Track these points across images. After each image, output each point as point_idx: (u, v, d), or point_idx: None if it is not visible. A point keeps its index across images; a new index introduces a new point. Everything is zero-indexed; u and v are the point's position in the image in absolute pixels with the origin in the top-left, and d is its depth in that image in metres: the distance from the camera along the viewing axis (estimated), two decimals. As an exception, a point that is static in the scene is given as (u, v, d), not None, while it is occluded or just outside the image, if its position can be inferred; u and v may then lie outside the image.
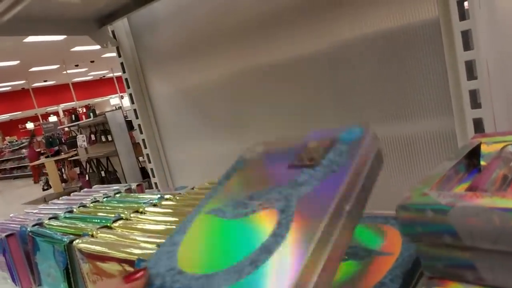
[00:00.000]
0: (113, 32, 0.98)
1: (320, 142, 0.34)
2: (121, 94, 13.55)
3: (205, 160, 0.97)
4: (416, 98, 0.62)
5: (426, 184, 0.26)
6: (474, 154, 0.34)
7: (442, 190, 0.26)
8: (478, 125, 0.54)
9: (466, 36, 0.52)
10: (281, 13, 0.73)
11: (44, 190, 7.80)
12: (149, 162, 1.04)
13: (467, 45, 0.53)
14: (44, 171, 7.82)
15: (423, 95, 0.62)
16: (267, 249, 0.24)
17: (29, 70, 11.37)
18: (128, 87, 1.00)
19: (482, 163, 0.33)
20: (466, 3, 0.52)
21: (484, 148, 0.34)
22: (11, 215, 0.81)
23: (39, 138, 10.42)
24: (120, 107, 9.84)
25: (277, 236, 0.25)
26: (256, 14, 0.77)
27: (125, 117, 6.84)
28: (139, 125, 1.01)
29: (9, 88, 13.61)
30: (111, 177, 6.70)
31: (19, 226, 0.64)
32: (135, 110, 1.01)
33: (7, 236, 0.61)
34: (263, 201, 0.29)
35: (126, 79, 1.00)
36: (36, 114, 13.81)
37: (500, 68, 0.54)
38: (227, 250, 0.27)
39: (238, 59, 0.82)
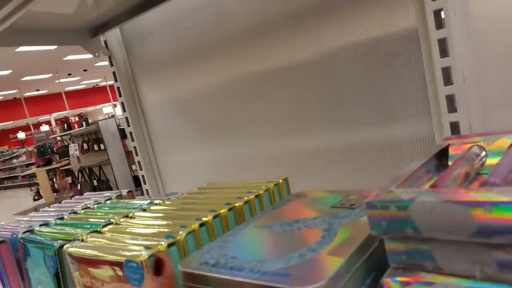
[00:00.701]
0: (105, 42, 0.99)
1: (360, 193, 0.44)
2: (114, 102, 13.51)
3: (196, 167, 0.99)
4: (398, 103, 0.65)
5: (393, 183, 0.28)
6: (443, 154, 0.36)
7: (408, 188, 0.28)
8: (455, 128, 0.57)
9: (443, 44, 0.55)
10: (269, 23, 0.76)
11: (35, 200, 7.73)
12: (141, 169, 1.06)
13: (444, 52, 0.55)
14: (35, 181, 7.75)
15: (405, 100, 0.64)
16: (313, 249, 0.31)
17: (21, 79, 11.31)
18: (120, 96, 1.02)
19: (450, 163, 0.35)
20: (442, 13, 0.54)
21: (452, 149, 0.37)
22: (1, 223, 0.82)
23: (30, 148, 10.34)
24: (113, 116, 9.82)
25: (322, 243, 0.32)
26: (245, 24, 0.79)
27: (118, 125, 6.83)
28: (130, 132, 1.03)
29: (1, 97, 13.53)
30: (104, 186, 6.66)
31: (10, 233, 0.65)
32: (126, 118, 1.03)
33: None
34: (308, 224, 0.38)
35: (118, 88, 1.01)
36: (27, 123, 13.72)
37: (475, 74, 0.57)
38: (276, 248, 0.33)
39: (228, 68, 0.84)
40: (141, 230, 0.52)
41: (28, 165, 10.12)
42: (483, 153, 0.34)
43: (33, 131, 11.20)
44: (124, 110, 1.02)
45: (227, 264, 0.31)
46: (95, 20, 0.93)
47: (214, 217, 0.48)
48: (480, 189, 0.24)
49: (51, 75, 11.57)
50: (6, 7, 0.65)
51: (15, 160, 10.75)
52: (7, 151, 11.97)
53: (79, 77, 13.21)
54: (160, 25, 0.94)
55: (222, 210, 0.49)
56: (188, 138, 0.97)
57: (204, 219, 0.46)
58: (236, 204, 0.51)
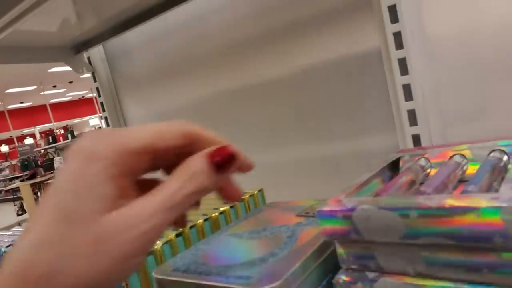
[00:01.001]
0: (88, 58, 1.02)
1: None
2: (101, 114, 13.39)
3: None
4: (366, 117, 0.69)
5: (344, 193, 0.32)
6: (395, 166, 0.40)
7: (355, 197, 0.32)
8: (417, 140, 0.61)
9: (403, 63, 0.60)
10: (246, 42, 0.80)
11: (18, 215, 7.58)
12: (124, 182, 1.08)
13: (404, 71, 0.60)
14: (19, 195, 7.61)
15: (372, 114, 0.69)
16: (274, 254, 0.34)
17: (5, 91, 11.17)
18: (104, 110, 1.04)
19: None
20: (402, 34, 0.59)
21: (404, 161, 0.41)
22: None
23: (13, 162, 10.16)
24: (100, 128, 9.75)
25: (283, 249, 0.35)
26: (223, 42, 0.83)
27: (104, 137, 6.78)
28: (114, 146, 1.05)
29: (-17, 110, 13.32)
30: (90, 199, 6.58)
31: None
32: (110, 132, 1.05)
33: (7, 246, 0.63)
34: (274, 231, 0.41)
35: (102, 103, 1.04)
36: (11, 136, 13.50)
37: (434, 90, 0.61)
38: (243, 254, 0.36)
39: (208, 84, 0.88)
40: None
41: (12, 179, 9.93)
42: (428, 165, 0.38)
43: (16, 144, 11.03)
44: (107, 124, 1.05)
45: (197, 270, 0.34)
46: (78, 38, 0.96)
47: (191, 227, 0.51)
48: (410, 197, 0.27)
49: (35, 87, 11.45)
50: None
51: (-3, 174, 10.54)
52: (-10, 164, 11.73)
53: (65, 89, 13.10)
54: (142, 42, 0.97)
55: (199, 221, 0.52)
56: (170, 151, 0.99)
57: (180, 229, 0.49)
58: (212, 215, 0.54)
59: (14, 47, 0.90)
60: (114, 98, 1.04)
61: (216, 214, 0.54)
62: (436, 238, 0.24)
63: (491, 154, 0.35)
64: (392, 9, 0.58)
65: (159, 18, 0.82)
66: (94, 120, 13.83)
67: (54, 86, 12.23)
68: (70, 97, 15.11)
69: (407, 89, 0.60)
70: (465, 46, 0.59)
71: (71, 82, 12.18)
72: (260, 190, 0.63)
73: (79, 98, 15.68)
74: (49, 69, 9.81)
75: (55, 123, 11.94)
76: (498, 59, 0.57)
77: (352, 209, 0.28)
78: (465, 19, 0.58)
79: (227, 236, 0.43)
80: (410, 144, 0.61)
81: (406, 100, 0.60)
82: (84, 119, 15.83)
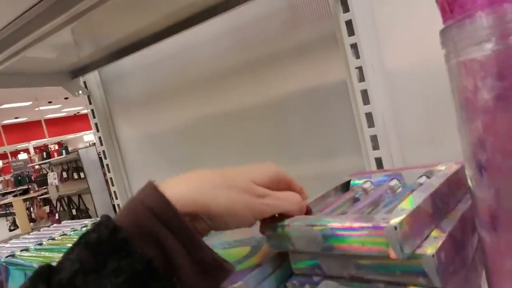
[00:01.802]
0: (84, 82, 1.09)
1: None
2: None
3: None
4: (335, 141, 0.76)
5: None
6: (345, 188, 0.47)
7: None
8: (379, 163, 0.68)
9: (365, 94, 0.67)
10: (228, 72, 0.88)
11: (10, 230, 7.52)
12: (116, 198, 1.14)
13: (366, 101, 0.67)
14: (11, 211, 7.58)
15: (340, 139, 0.76)
16: (239, 262, 0.40)
17: (0, 107, 11.21)
18: (98, 131, 1.11)
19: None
20: (363, 68, 0.67)
21: (353, 183, 0.47)
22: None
23: (7, 177, 10.11)
24: (94, 143, 9.76)
25: (247, 257, 0.41)
26: (208, 71, 0.91)
27: (99, 154, 6.80)
28: (107, 164, 1.11)
29: (-22, 125, 13.31)
30: (83, 215, 6.55)
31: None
32: (103, 151, 1.12)
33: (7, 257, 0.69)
34: (243, 242, 0.47)
35: (96, 124, 1.11)
36: (5, 151, 13.46)
37: (393, 117, 0.69)
38: None
39: (193, 108, 0.95)
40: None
41: (4, 194, 9.87)
42: (371, 187, 0.45)
43: (10, 159, 10.98)
44: (101, 144, 1.11)
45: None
46: (75, 63, 1.03)
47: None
48: (325, 216, 0.34)
49: (31, 102, 11.49)
50: (4, 52, 0.74)
51: (-10, 190, 10.47)
52: (-17, 180, 11.65)
53: (60, 105, 13.15)
54: (135, 68, 1.05)
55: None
56: (160, 170, 1.06)
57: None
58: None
59: (14, 72, 0.97)
60: (108, 119, 1.11)
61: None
62: (342, 251, 0.31)
63: (417, 180, 0.42)
64: (354, 46, 0.66)
65: (151, 47, 0.89)
66: (89, 136, 13.83)
67: (50, 102, 12.28)
68: (65, 113, 15.13)
69: (369, 117, 0.68)
70: (420, 78, 0.67)
71: (66, 98, 12.23)
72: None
73: (74, 114, 15.70)
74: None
75: (49, 138, 11.93)
76: (448, 89, 0.65)
77: (286, 225, 0.34)
78: (419, 55, 0.66)
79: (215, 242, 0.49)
80: (373, 166, 0.68)
81: (369, 126, 0.68)
82: (78, 134, 15.81)
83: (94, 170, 6.58)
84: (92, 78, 1.10)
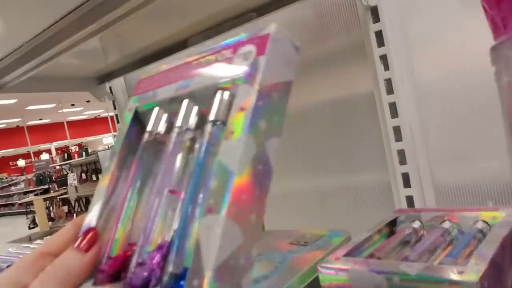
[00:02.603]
0: (110, 88, 1.11)
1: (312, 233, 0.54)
2: (114, 133, 13.70)
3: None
4: (360, 154, 0.75)
5: (344, 250, 0.37)
6: (393, 224, 0.46)
7: (351, 257, 0.37)
8: (406, 179, 0.66)
9: (393, 107, 0.66)
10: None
11: (30, 228, 7.69)
12: (136, 203, 1.14)
13: (394, 114, 0.66)
14: (31, 209, 7.75)
15: (366, 152, 0.74)
16: (266, 276, 0.40)
17: (26, 108, 11.54)
18: (121, 136, 1.12)
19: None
20: (392, 81, 0.66)
21: (399, 220, 0.46)
22: (8, 249, 0.90)
23: (29, 176, 10.37)
24: (109, 147, 9.94)
25: (273, 272, 0.41)
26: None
27: (118, 156, 6.89)
28: (128, 169, 1.12)
29: (4, 125, 13.74)
30: (100, 217, 6.64)
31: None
32: (125, 156, 1.13)
33: (7, 266, 0.70)
34: (268, 257, 0.47)
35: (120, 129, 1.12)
36: (28, 151, 13.84)
37: (421, 131, 0.67)
38: None
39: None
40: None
41: (26, 193, 10.12)
42: (420, 226, 0.44)
43: (33, 159, 11.28)
44: (124, 149, 1.12)
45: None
46: (102, 69, 1.05)
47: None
48: (395, 262, 0.33)
49: (54, 105, 11.80)
50: (36, 58, 0.76)
51: (13, 188, 10.75)
52: (6, 178, 12.00)
53: (82, 108, 13.46)
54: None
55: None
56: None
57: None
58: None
59: (45, 77, 0.99)
60: (131, 124, 1.12)
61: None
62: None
63: (475, 225, 0.41)
64: (384, 58, 0.65)
65: (176, 54, 0.90)
66: (108, 139, 14.08)
67: (72, 105, 12.58)
68: (86, 116, 15.48)
69: (397, 131, 0.66)
70: (451, 92, 0.65)
71: (88, 101, 12.52)
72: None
73: (95, 116, 16.03)
74: (69, 88, 10.08)
75: (70, 140, 12.21)
76: (480, 103, 0.63)
77: (347, 269, 0.33)
78: (450, 65, 0.64)
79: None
80: (400, 181, 0.66)
81: (396, 141, 0.66)
82: (98, 137, 16.12)
83: (113, 172, 6.67)
84: (118, 84, 1.11)
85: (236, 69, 0.28)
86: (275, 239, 0.54)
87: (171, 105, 0.35)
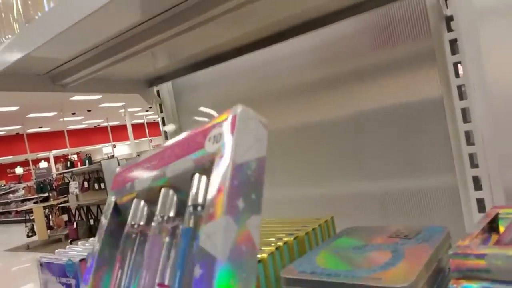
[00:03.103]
0: (158, 91, 1.13)
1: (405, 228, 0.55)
2: (113, 143, 13.68)
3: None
4: (425, 159, 0.77)
5: (467, 240, 0.39)
6: (494, 220, 0.47)
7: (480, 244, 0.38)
8: (476, 182, 0.68)
9: (465, 112, 0.68)
10: (312, 83, 0.90)
11: (28, 236, 7.59)
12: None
13: (466, 119, 0.68)
14: (30, 217, 7.67)
15: (429, 155, 0.76)
16: (391, 263, 0.41)
17: (27, 116, 11.52)
18: (166, 139, 1.13)
19: (501, 228, 0.46)
20: (464, 87, 0.68)
21: (501, 217, 0.48)
22: (56, 251, 0.91)
23: (28, 183, 10.28)
24: (112, 156, 9.91)
25: (396, 259, 0.42)
26: (289, 82, 0.93)
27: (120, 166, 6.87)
28: (172, 172, 1.14)
29: (4, 132, 13.68)
30: (101, 226, 6.57)
31: (85, 254, 0.73)
32: (170, 158, 1.14)
33: (80, 260, 0.70)
34: (376, 248, 0.47)
35: (165, 131, 1.14)
36: (26, 159, 13.73)
37: (492, 136, 0.69)
38: (358, 263, 0.43)
39: (272, 120, 0.97)
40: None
41: (23, 201, 10.01)
42: None
43: (31, 166, 11.19)
44: (169, 151, 1.14)
45: (324, 272, 0.41)
46: (152, 73, 1.07)
47: (284, 242, 0.57)
48: None
49: (55, 113, 11.80)
50: (103, 61, 0.78)
51: (11, 195, 10.65)
52: (4, 185, 11.89)
53: (83, 117, 13.46)
54: (210, 79, 1.08)
55: (289, 239, 0.59)
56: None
57: (285, 239, 0.56)
58: (299, 234, 0.61)
59: (99, 78, 1.01)
60: (177, 129, 1.14)
61: (303, 234, 0.61)
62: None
63: None
64: (456, 65, 0.68)
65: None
66: (108, 148, 14.03)
67: (73, 114, 12.58)
68: (86, 125, 15.45)
69: (468, 135, 0.68)
70: (519, 100, 0.68)
71: (89, 110, 12.54)
72: (332, 218, 0.70)
73: (95, 126, 16.01)
74: (71, 97, 10.13)
75: (70, 148, 12.15)
76: (549, 113, 0.65)
77: (484, 255, 0.35)
78: (519, 77, 0.67)
79: (330, 250, 0.50)
80: (470, 185, 0.68)
81: (468, 145, 0.68)
82: (97, 146, 16.07)
83: (116, 181, 6.64)
84: (165, 87, 1.13)
85: (208, 152, 0.30)
86: (371, 234, 0.55)
87: (149, 195, 0.37)
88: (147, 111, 14.48)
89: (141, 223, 0.37)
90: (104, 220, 0.40)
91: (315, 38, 0.88)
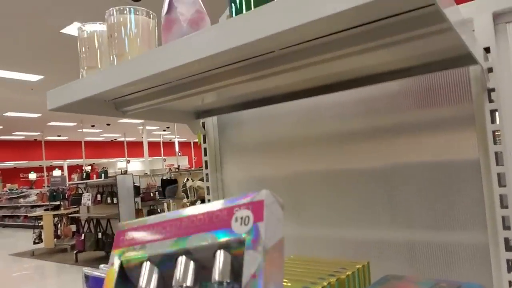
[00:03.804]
0: (203, 123, 1.21)
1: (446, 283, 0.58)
2: (128, 158, 13.89)
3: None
4: (457, 216, 0.82)
5: None
6: None
7: None
8: (507, 243, 0.73)
9: (500, 177, 0.73)
10: (352, 133, 0.96)
11: (35, 243, 7.63)
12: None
13: (501, 183, 0.73)
14: (39, 224, 7.74)
15: (462, 213, 0.81)
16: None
17: (47, 123, 11.84)
18: (206, 168, 1.21)
19: None
20: (501, 153, 0.74)
21: None
22: (101, 266, 0.97)
23: (39, 190, 10.43)
24: (126, 171, 10.02)
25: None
26: (330, 129, 1.00)
27: (134, 182, 6.97)
28: (208, 200, 1.20)
29: (23, 137, 14.04)
30: (107, 240, 6.61)
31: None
32: (207, 187, 1.21)
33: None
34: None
35: (206, 161, 1.21)
36: (40, 165, 13.98)
37: (524, 203, 0.74)
38: None
39: (309, 162, 1.03)
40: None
41: (33, 207, 10.13)
42: None
43: (45, 173, 11.38)
44: (207, 180, 1.20)
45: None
46: (200, 107, 1.16)
47: (328, 283, 0.62)
48: None
49: (76, 123, 12.10)
50: (163, 98, 0.86)
51: (21, 200, 10.79)
52: (17, 189, 12.07)
53: (101, 130, 13.77)
54: (253, 117, 1.16)
55: (332, 280, 0.64)
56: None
57: (329, 279, 0.61)
58: (341, 277, 0.66)
59: (153, 108, 1.09)
60: (217, 159, 1.21)
61: (343, 277, 0.66)
62: None
63: None
64: (495, 133, 0.74)
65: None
66: (122, 163, 14.20)
67: (93, 126, 12.87)
68: (103, 138, 15.74)
69: (502, 199, 0.73)
70: (552, 171, 0.73)
71: (108, 124, 12.83)
72: (368, 263, 0.75)
73: (111, 140, 16.29)
74: (94, 109, 10.35)
75: (85, 159, 12.36)
76: None
77: None
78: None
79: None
80: (502, 245, 0.73)
81: (501, 207, 0.73)
82: (111, 160, 16.28)
83: (128, 197, 6.72)
84: (210, 120, 1.21)
85: (235, 233, 0.31)
86: (408, 284, 0.60)
87: (163, 261, 0.36)
88: (164, 130, 14.73)
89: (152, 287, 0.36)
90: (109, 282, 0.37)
91: (361, 92, 0.95)
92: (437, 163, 0.84)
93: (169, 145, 16.54)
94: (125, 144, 13.73)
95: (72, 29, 5.47)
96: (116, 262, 0.38)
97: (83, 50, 0.88)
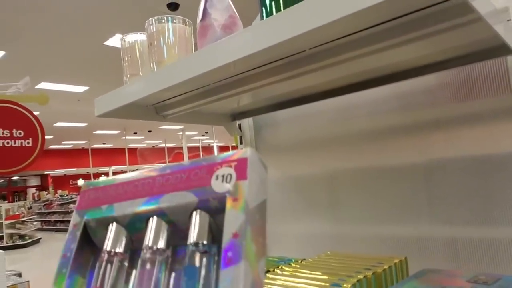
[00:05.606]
0: (239, 125, 1.25)
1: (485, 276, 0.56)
2: (168, 164, 14.25)
3: (302, 237, 1.15)
4: (498, 210, 0.79)
5: None
6: None
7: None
8: (556, 238, 0.70)
9: (545, 169, 0.71)
10: (388, 129, 0.96)
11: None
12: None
13: (546, 176, 0.71)
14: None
15: (504, 208, 0.79)
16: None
17: (93, 132, 12.46)
18: (243, 168, 1.24)
19: None
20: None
21: None
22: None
23: (88, 196, 10.92)
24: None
25: None
26: (366, 128, 1.00)
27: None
28: (245, 200, 1.23)
29: (71, 146, 14.86)
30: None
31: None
32: (245, 187, 1.24)
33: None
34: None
35: (242, 162, 1.24)
36: (88, 172, 14.73)
37: None
38: None
39: (347, 160, 1.04)
40: (304, 280, 0.68)
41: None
42: None
43: (92, 179, 11.95)
44: (244, 180, 1.24)
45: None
46: (236, 109, 1.19)
47: (364, 277, 0.63)
48: None
49: (119, 131, 12.64)
50: (201, 100, 0.90)
51: (71, 205, 11.39)
52: (67, 195, 12.77)
53: (143, 137, 14.30)
54: (289, 117, 1.18)
55: (368, 274, 0.65)
56: (296, 209, 1.15)
57: (366, 273, 0.62)
58: (377, 271, 0.66)
59: (191, 111, 1.14)
60: (254, 159, 1.24)
61: (380, 270, 0.66)
62: None
63: None
64: (538, 125, 0.71)
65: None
66: (163, 168, 14.67)
67: (135, 133, 13.39)
68: (144, 144, 16.33)
69: (548, 191, 0.71)
70: None
71: (150, 131, 13.29)
72: (405, 258, 0.75)
73: (153, 146, 16.86)
74: (136, 117, 10.78)
75: (128, 166, 12.87)
76: None
77: None
78: None
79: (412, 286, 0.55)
80: (549, 239, 0.70)
81: (547, 200, 0.71)
82: (153, 166, 16.83)
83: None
84: (246, 121, 1.25)
85: (215, 192, 0.29)
86: (446, 277, 0.59)
87: (132, 222, 0.33)
88: (203, 135, 15.06)
89: (119, 250, 0.33)
90: (71, 242, 0.35)
91: (395, 88, 0.95)
92: (476, 157, 0.82)
93: (207, 149, 16.87)
94: (165, 150, 14.17)
95: (114, 41, 5.75)
96: (78, 222, 0.35)
97: (126, 59, 0.95)
